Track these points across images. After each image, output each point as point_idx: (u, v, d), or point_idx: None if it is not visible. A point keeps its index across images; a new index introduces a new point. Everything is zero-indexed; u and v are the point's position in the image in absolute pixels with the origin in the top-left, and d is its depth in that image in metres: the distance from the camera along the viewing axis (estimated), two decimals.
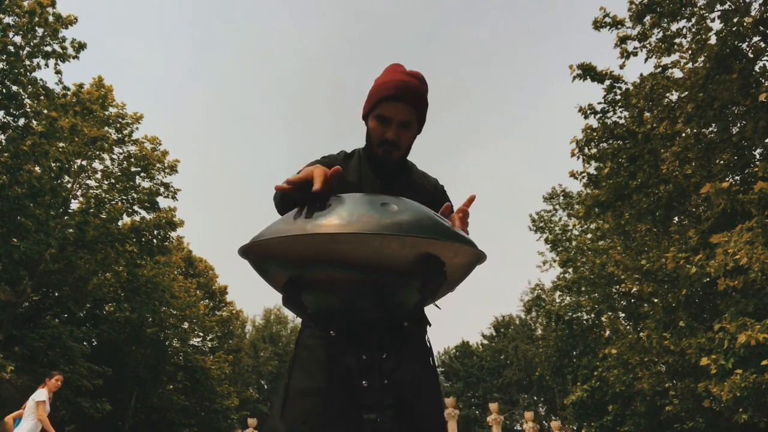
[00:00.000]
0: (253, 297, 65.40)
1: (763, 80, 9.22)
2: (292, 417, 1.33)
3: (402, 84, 1.47)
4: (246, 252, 1.05)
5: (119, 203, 16.68)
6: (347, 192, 1.48)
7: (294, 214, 1.04)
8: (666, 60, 10.60)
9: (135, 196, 17.06)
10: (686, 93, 9.84)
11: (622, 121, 11.14)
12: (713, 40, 9.60)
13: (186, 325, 24.45)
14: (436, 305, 1.41)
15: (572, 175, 11.97)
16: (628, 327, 15.67)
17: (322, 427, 1.29)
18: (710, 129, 10.19)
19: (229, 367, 26.00)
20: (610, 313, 16.48)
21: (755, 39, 9.21)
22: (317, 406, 1.32)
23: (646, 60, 10.72)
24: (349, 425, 1.18)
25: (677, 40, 10.24)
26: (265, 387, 38.90)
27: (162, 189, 17.61)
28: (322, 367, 1.37)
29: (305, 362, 1.41)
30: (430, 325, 1.56)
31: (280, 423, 1.33)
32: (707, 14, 9.62)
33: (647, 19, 9.97)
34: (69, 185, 16.18)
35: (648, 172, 10.61)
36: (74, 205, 16.13)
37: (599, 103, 11.22)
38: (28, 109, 12.71)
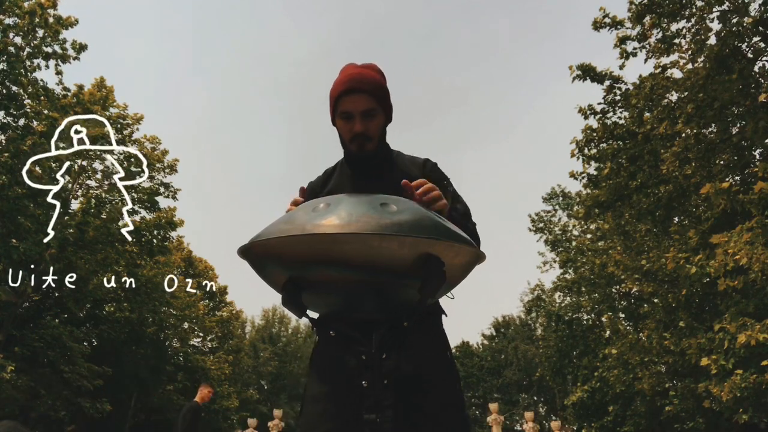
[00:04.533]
0: (253, 297, 65.37)
1: (763, 80, 9.22)
2: (305, 422, 1.37)
3: (353, 76, 1.49)
4: (246, 252, 1.05)
5: (119, 203, 16.68)
6: None
7: (294, 214, 1.04)
8: (666, 60, 10.62)
9: (135, 195, 17.06)
10: (686, 93, 9.83)
11: (622, 122, 11.15)
12: (713, 40, 9.61)
13: (186, 325, 24.46)
14: (450, 295, 1.40)
15: (572, 175, 11.98)
16: (628, 327, 15.67)
17: (332, 429, 1.31)
18: (710, 129, 10.19)
19: (228, 367, 25.99)
20: (610, 314, 16.48)
21: (755, 39, 9.22)
22: (326, 411, 1.33)
23: (645, 60, 10.73)
24: (355, 426, 1.18)
25: (677, 41, 10.24)
26: (265, 387, 38.88)
27: (162, 189, 17.62)
28: (328, 372, 1.38)
29: (316, 368, 1.44)
30: (445, 315, 1.54)
31: (298, 428, 1.39)
32: (707, 15, 9.62)
33: (647, 19, 9.96)
34: (69, 185, 16.18)
35: (648, 173, 10.62)
36: (74, 205, 16.14)
37: (599, 103, 11.24)
38: (28, 110, 12.72)
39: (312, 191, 1.63)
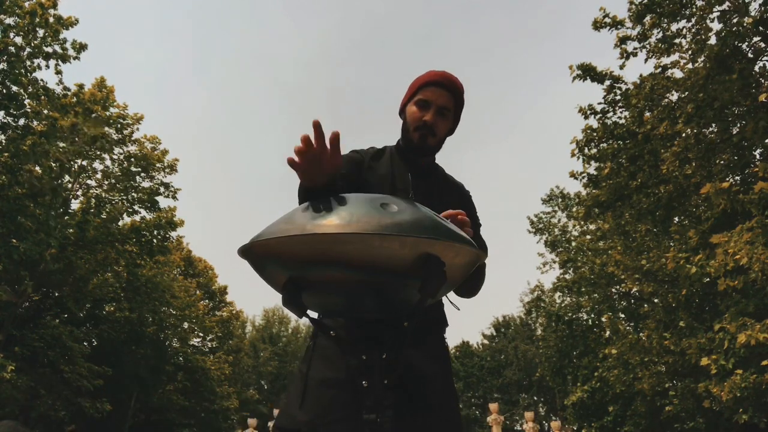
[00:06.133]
0: (253, 297, 65.40)
1: (763, 80, 9.22)
2: (313, 407, 1.33)
3: (445, 74, 1.55)
4: (246, 252, 1.05)
5: (119, 203, 16.69)
6: (377, 185, 1.51)
7: (294, 214, 1.04)
8: (666, 60, 10.62)
9: (135, 195, 17.07)
10: (686, 93, 9.84)
11: (622, 122, 11.15)
12: (713, 40, 9.61)
13: (186, 325, 24.46)
14: (456, 306, 1.42)
15: (572, 175, 11.98)
16: (628, 327, 15.67)
17: (345, 418, 1.29)
18: (710, 129, 10.19)
19: (228, 367, 25.98)
20: (610, 314, 16.48)
21: (755, 39, 9.22)
22: (338, 397, 1.32)
23: (646, 60, 10.73)
24: (356, 426, 1.18)
25: (677, 41, 10.25)
26: (265, 387, 38.91)
27: (162, 189, 17.63)
28: (335, 362, 1.37)
29: (325, 352, 1.41)
30: (447, 325, 1.56)
31: (301, 412, 1.33)
32: (707, 14, 9.63)
33: (647, 19, 9.97)
34: (69, 185, 16.19)
35: (648, 173, 10.62)
36: (74, 205, 16.16)
37: (599, 103, 11.24)
38: (29, 110, 12.71)
39: (353, 159, 1.61)
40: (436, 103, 1.53)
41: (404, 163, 1.60)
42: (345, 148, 1.57)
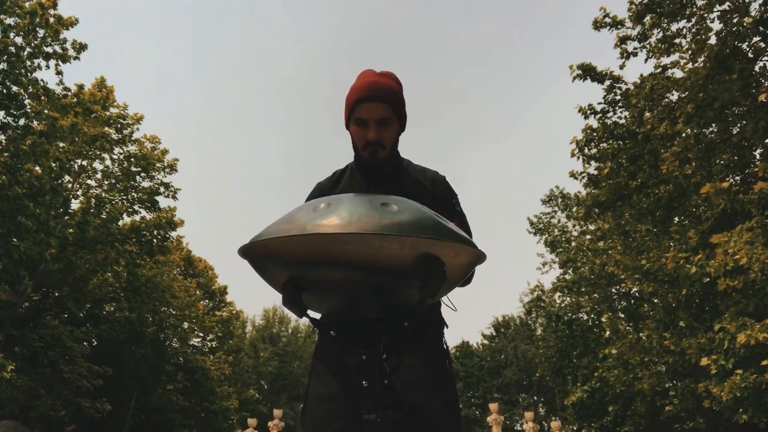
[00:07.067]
0: (253, 297, 65.35)
1: (763, 80, 9.22)
2: (310, 423, 1.36)
3: (372, 84, 1.50)
4: (246, 252, 1.05)
5: (119, 203, 16.69)
6: None
7: (294, 214, 1.04)
8: (666, 60, 10.62)
9: (135, 195, 17.07)
10: (686, 93, 9.84)
11: (622, 122, 11.15)
12: (713, 40, 9.61)
13: (186, 325, 24.45)
14: (452, 307, 1.42)
15: (572, 175, 11.98)
16: (628, 327, 15.66)
17: (341, 429, 1.31)
18: (710, 129, 10.19)
19: (228, 367, 25.97)
20: (610, 314, 16.47)
21: (755, 39, 9.22)
22: (332, 411, 1.34)
23: (646, 60, 10.73)
24: (357, 427, 1.19)
25: (677, 41, 10.25)
26: (265, 387, 38.89)
27: (162, 189, 17.62)
28: (330, 372, 1.39)
29: (320, 369, 1.45)
30: (447, 326, 1.56)
31: (301, 429, 1.38)
32: (707, 14, 9.63)
33: (647, 19, 9.97)
34: (69, 185, 16.18)
35: (648, 173, 10.62)
36: (75, 204, 16.15)
37: (599, 103, 11.24)
38: (29, 110, 12.71)
39: (321, 192, 1.65)
40: (373, 118, 1.49)
41: (362, 174, 1.59)
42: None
